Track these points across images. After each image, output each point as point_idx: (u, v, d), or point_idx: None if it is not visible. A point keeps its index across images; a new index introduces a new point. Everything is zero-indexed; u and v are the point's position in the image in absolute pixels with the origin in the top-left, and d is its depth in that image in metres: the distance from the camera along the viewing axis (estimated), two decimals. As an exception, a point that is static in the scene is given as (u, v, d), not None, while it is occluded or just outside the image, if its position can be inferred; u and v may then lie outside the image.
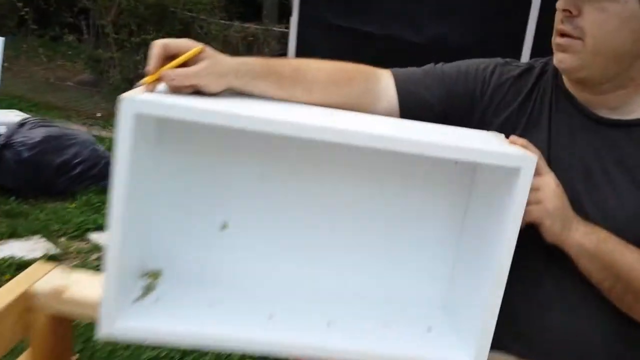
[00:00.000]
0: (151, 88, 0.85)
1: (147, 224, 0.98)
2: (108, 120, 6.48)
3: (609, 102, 1.02)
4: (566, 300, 1.01)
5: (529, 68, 1.12)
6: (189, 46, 0.89)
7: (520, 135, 1.00)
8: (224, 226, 1.01)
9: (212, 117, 0.78)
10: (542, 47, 2.81)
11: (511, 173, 0.83)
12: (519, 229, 0.84)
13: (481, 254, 0.93)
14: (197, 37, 8.27)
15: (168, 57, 0.87)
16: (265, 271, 1.02)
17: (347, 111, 1.00)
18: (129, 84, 7.91)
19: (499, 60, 1.14)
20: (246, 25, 8.68)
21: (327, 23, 3.16)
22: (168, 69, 0.85)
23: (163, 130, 0.95)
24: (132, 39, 7.71)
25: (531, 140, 0.95)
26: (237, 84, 0.94)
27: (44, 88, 7.67)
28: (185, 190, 0.99)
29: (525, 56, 2.79)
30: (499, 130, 1.06)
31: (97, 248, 3.47)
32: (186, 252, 1.01)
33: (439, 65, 1.13)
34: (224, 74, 0.91)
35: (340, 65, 1.05)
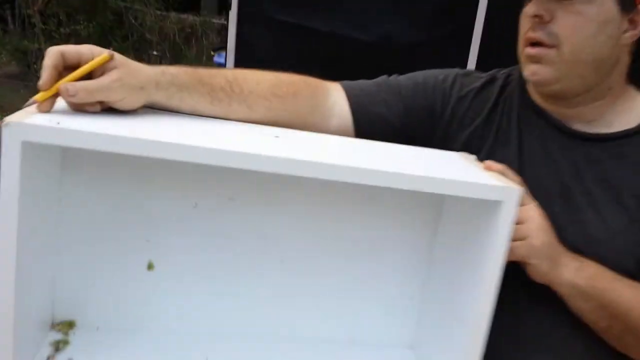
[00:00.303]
0: (46, 107, 0.67)
1: (54, 266, 0.80)
2: (36, 116, 6.05)
3: (585, 115, 0.92)
4: (549, 340, 0.90)
5: (491, 79, 1.02)
6: (92, 53, 0.71)
7: (489, 154, 0.89)
8: (149, 266, 0.84)
9: (121, 145, 0.62)
10: (490, 46, 2.75)
11: (491, 206, 0.71)
12: (501, 270, 0.72)
13: (457, 294, 0.80)
14: (131, 28, 7.96)
15: (67, 67, 0.70)
16: (201, 317, 0.86)
17: (294, 130, 0.85)
18: (59, 77, 7.46)
19: (459, 70, 1.04)
20: (184, 16, 8.36)
21: (270, 17, 3.00)
22: (67, 82, 0.68)
23: (69, 156, 0.78)
24: (61, 29, 7.28)
25: (501, 160, 0.84)
26: (159, 97, 0.77)
27: (-35, 82, 7.16)
28: (101, 226, 0.82)
29: (473, 55, 2.72)
30: (464, 147, 0.95)
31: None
32: (104, 297, 0.84)
33: (394, 77, 1.02)
34: (140, 86, 0.74)
35: (283, 77, 0.91)
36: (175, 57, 7.72)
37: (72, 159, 0.78)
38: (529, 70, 0.90)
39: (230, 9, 2.96)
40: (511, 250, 0.75)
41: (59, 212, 0.79)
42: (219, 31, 8.38)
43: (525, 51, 0.89)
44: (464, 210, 0.81)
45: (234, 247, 0.85)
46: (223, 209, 0.84)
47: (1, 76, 7.68)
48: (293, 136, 0.81)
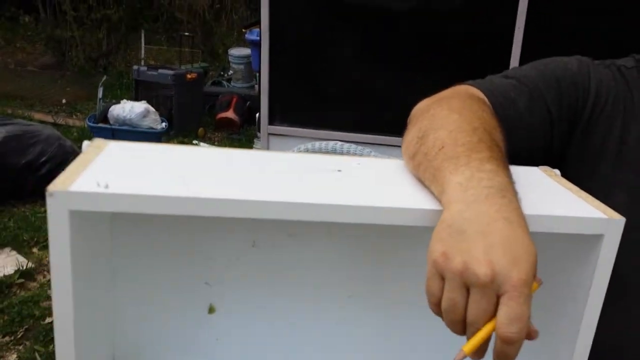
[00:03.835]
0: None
1: (113, 319, 0.76)
2: (74, 106, 6.09)
3: None
4: None
5: (618, 69, 0.87)
6: None
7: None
8: (210, 309, 0.80)
9: (176, 207, 0.56)
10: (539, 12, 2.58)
11: (586, 241, 0.63)
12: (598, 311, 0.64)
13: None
14: (160, 8, 7.86)
15: None
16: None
17: (355, 157, 0.78)
18: (93, 64, 7.52)
19: (585, 59, 0.88)
20: (212, -10, 8.24)
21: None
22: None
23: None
24: (92, 15, 7.28)
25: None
26: None
27: (3, 75, 7.23)
28: (159, 271, 0.77)
29: (521, 21, 2.57)
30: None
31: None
32: (166, 345, 0.80)
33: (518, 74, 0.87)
34: None
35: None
36: (207, 36, 7.65)
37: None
38: None
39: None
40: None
41: (114, 263, 0.74)
42: (248, 4, 8.25)
43: None
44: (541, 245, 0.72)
45: (297, 284, 0.79)
46: (283, 246, 0.78)
47: (38, 67, 7.75)
48: (356, 170, 0.73)
